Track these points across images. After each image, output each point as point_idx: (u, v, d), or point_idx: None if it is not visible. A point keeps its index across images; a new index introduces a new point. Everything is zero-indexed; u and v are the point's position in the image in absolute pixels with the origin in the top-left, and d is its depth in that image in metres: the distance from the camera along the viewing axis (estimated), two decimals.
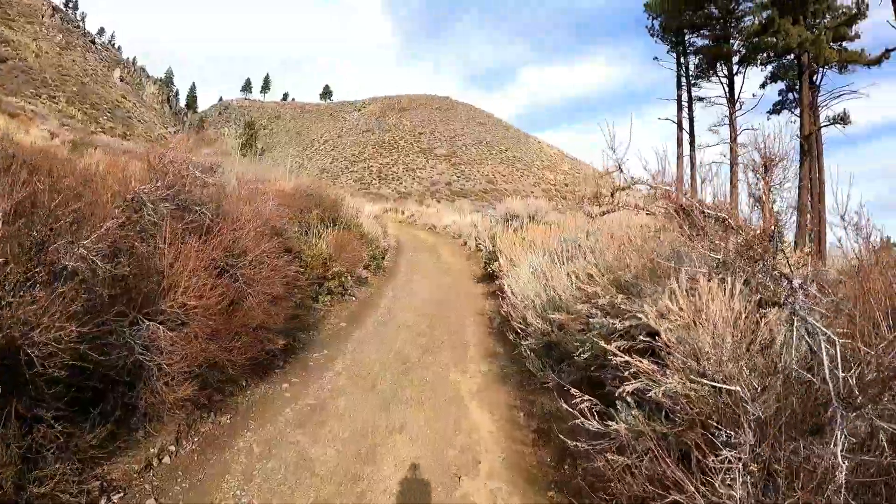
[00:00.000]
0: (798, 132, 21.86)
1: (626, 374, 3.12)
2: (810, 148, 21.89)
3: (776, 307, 3.03)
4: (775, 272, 3.19)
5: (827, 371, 2.49)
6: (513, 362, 7.18)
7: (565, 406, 3.67)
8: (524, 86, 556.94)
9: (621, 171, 4.36)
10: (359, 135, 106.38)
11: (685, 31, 27.70)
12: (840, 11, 22.47)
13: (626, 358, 3.05)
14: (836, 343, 2.55)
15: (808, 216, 21.13)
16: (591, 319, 4.24)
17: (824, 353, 2.55)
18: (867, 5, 21.44)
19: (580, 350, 4.33)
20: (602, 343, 3.55)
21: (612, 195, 5.20)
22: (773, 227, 3.33)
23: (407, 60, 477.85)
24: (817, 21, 22.74)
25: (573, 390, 3.59)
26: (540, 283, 7.12)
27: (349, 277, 11.23)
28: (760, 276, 3.26)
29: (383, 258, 15.68)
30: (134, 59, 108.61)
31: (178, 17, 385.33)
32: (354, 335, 8.53)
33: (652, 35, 28.64)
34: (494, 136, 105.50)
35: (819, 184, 22.07)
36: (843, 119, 22.60)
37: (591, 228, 7.92)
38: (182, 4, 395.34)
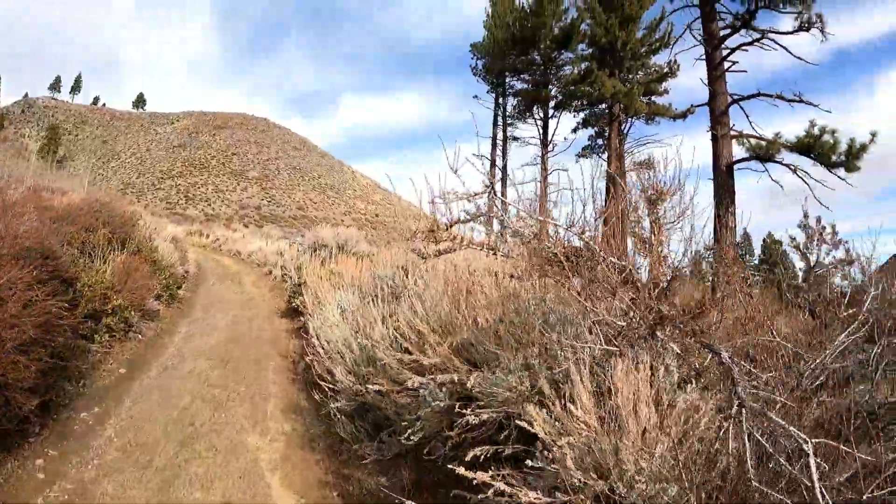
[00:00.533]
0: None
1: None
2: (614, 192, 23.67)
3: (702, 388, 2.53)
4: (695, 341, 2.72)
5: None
6: (320, 421, 6.17)
7: (386, 486, 2.96)
8: (344, 113, 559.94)
9: (488, 192, 3.81)
10: (169, 150, 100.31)
11: (507, 73, 29.52)
12: (653, 69, 25.19)
13: (494, 483, 2.34)
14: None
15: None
16: (424, 394, 3.55)
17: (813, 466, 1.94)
18: (678, 66, 23.95)
19: (409, 431, 3.62)
20: (447, 431, 2.89)
21: (448, 228, 4.65)
22: (667, 276, 2.92)
23: (227, 77, 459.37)
24: (631, 76, 24.98)
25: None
26: (351, 328, 6.33)
27: (134, 313, 9.69)
28: (675, 346, 2.77)
29: (179, 288, 14.02)
30: None
31: None
32: (134, 386, 7.15)
33: (475, 74, 30.75)
34: (309, 163, 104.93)
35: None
36: (648, 164, 24.65)
37: (420, 270, 7.22)
38: None
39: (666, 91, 25.00)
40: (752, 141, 17.82)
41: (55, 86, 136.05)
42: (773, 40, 17.88)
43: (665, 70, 24.27)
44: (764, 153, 17.50)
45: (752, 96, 18.10)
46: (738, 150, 18.13)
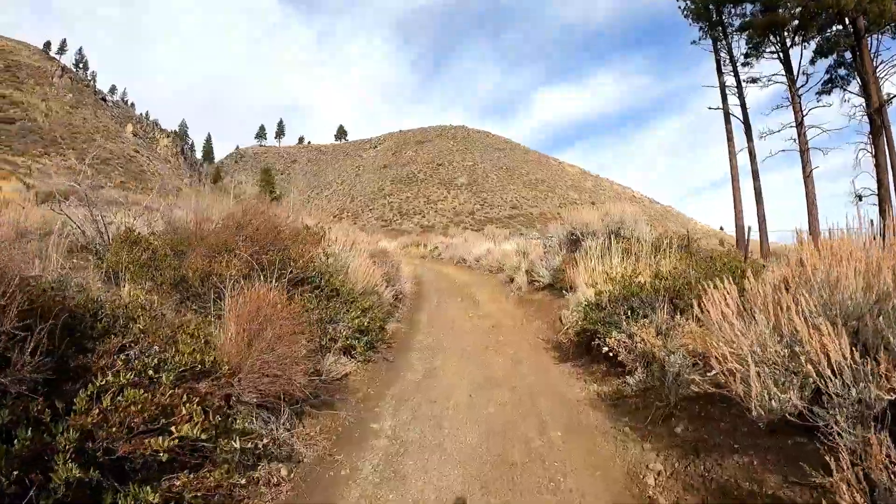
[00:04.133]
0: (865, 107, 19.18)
1: None
2: (883, 122, 18.57)
3: None
4: None
5: None
6: None
7: None
8: (539, 108, 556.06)
9: None
10: (377, 172, 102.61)
11: (724, 5, 23.74)
12: None
13: None
14: None
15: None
16: None
17: None
18: None
19: None
20: None
21: None
22: None
23: (419, 94, 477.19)
24: None
25: None
26: None
27: (268, 421, 4.48)
28: None
29: (384, 324, 8.74)
30: (146, 113, 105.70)
31: (190, 72, 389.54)
32: None
33: (686, 16, 25.30)
34: (514, 161, 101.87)
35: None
36: None
37: None
38: (192, 62, 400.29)
39: None
40: None
41: (261, 134, 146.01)
42: None
43: None
44: None
45: None
46: None
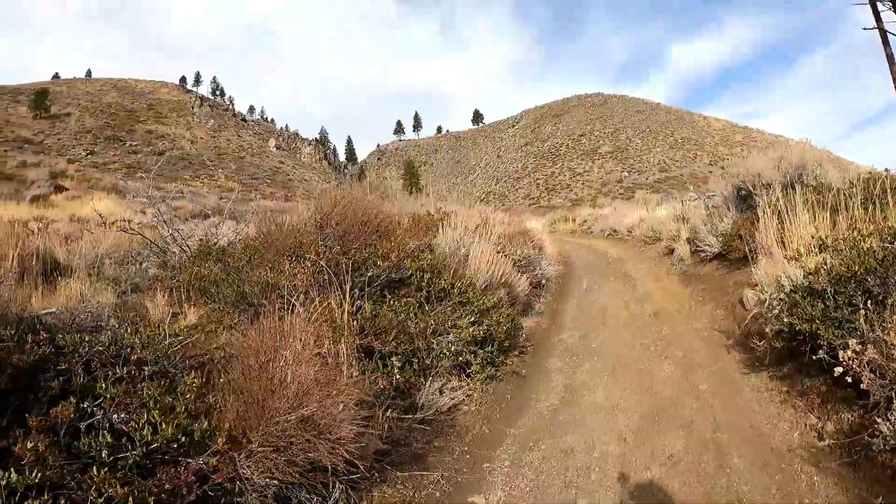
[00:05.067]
0: None
1: None
2: None
3: None
4: None
5: None
6: None
7: None
8: (674, 64, 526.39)
9: None
10: (518, 150, 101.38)
11: None
12: None
13: None
14: None
15: None
16: None
17: None
18: None
19: None
20: None
21: None
22: None
23: (547, 70, 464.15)
24: None
25: None
26: None
27: None
28: None
29: (513, 324, 6.69)
30: (286, 126, 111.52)
31: (321, 81, 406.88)
32: None
33: None
34: (656, 122, 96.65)
35: None
36: None
37: None
38: (322, 72, 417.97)
39: None
40: None
41: (399, 129, 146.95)
42: None
43: None
44: None
45: None
46: None
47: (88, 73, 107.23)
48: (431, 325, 5.17)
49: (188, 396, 2.92)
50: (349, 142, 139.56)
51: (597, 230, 23.32)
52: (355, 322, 4.59)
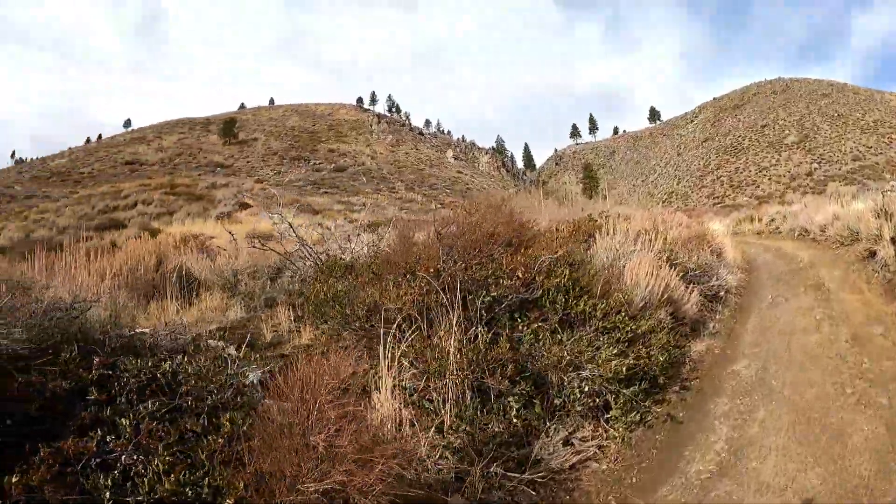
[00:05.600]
0: None
1: None
2: None
3: None
4: None
5: None
6: None
7: None
8: (852, 39, 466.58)
9: None
10: (698, 147, 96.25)
11: None
12: None
13: None
14: None
15: None
16: None
17: None
18: None
19: None
20: None
21: None
22: None
23: (720, 60, 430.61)
24: None
25: None
26: None
27: None
28: None
29: (672, 353, 5.25)
30: (462, 137, 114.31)
31: (494, 91, 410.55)
32: None
33: None
34: (844, 105, 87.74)
35: None
36: None
37: None
38: (493, 81, 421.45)
39: None
40: None
41: (575, 132, 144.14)
42: None
43: None
44: None
45: None
46: None
47: (271, 101, 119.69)
48: (564, 356, 4.18)
49: (211, 443, 2.52)
50: (526, 149, 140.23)
51: (785, 230, 20.57)
52: (461, 353, 3.77)
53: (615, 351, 4.40)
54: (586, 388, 4.06)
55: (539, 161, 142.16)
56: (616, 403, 4.18)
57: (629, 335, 4.80)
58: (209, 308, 6.93)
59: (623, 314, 5.00)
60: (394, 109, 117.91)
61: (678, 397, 4.88)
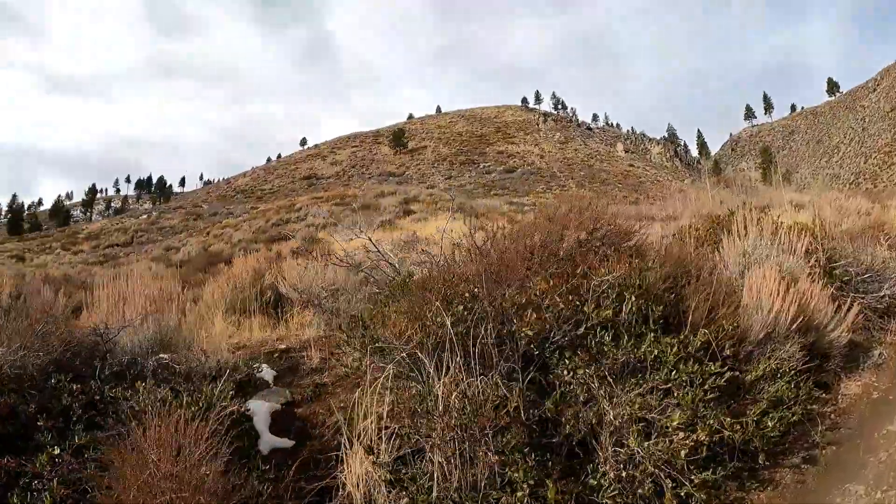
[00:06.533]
0: None
1: None
2: None
3: None
4: None
5: None
6: None
7: None
8: None
9: None
10: (883, 118, 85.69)
11: None
12: None
13: None
14: None
15: None
16: None
17: None
18: None
19: None
20: None
21: None
22: None
23: None
24: None
25: None
26: None
27: None
28: None
29: (798, 406, 3.77)
30: (631, 129, 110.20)
31: (659, 79, 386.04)
32: None
33: None
34: None
35: None
36: None
37: None
38: (657, 68, 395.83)
39: None
40: None
41: (749, 114, 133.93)
42: None
43: None
44: None
45: None
46: None
47: (438, 109, 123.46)
48: (610, 420, 3.24)
49: None
50: (699, 135, 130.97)
51: None
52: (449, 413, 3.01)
53: (684, 417, 3.18)
54: (638, 472, 3.07)
55: (714, 147, 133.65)
56: (672, 491, 3.08)
57: (719, 382, 3.46)
58: (296, 324, 6.78)
59: (711, 356, 3.77)
60: (559, 106, 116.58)
61: (794, 476, 3.47)
